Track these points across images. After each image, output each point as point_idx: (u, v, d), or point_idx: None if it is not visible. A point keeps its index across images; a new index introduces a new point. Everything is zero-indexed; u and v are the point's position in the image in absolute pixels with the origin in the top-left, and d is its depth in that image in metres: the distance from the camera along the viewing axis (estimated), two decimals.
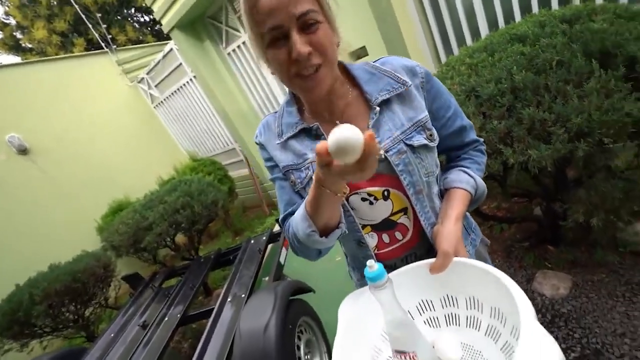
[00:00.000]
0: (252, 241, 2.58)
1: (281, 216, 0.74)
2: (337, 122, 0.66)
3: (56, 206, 4.42)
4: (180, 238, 3.23)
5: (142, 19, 10.75)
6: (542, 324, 1.45)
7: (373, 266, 0.49)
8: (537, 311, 1.58)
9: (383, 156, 0.63)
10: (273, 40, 0.54)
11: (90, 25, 5.41)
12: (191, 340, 2.73)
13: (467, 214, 0.82)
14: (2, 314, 2.56)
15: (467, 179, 0.70)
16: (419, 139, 0.64)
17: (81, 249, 3.30)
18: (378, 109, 0.64)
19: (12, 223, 4.07)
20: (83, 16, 5.47)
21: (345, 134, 0.38)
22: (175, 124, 5.65)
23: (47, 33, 8.21)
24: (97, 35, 5.56)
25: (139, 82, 5.45)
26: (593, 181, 1.12)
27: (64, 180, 4.55)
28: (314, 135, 0.66)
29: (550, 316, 1.54)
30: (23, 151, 4.33)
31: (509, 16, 2.24)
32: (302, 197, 0.70)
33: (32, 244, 4.09)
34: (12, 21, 8.75)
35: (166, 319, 2.07)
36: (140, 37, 9.76)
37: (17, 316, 2.53)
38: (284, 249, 2.40)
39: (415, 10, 2.52)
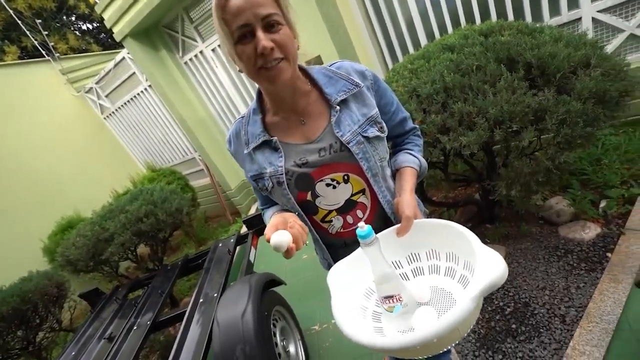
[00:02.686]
0: (220, 244, 2.59)
1: (260, 207, 0.92)
2: (302, 120, 0.78)
3: None
4: (142, 249, 3.13)
5: (84, 27, 10.15)
6: None
7: (363, 227, 0.58)
8: None
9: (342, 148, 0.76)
10: (241, 37, 0.63)
11: (27, 32, 5.02)
12: (160, 351, 2.66)
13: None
14: None
15: (413, 159, 0.88)
16: (373, 132, 0.76)
17: (26, 271, 3.03)
18: (338, 107, 0.75)
19: None
20: (19, 22, 5.06)
21: (274, 241, 0.60)
22: (129, 134, 5.41)
23: None
24: (35, 42, 5.16)
25: (87, 92, 5.17)
26: (510, 160, 1.39)
27: (2, 196, 4.14)
28: (273, 147, 0.77)
29: None
30: None
31: (442, 29, 2.60)
32: (272, 197, 0.85)
33: None
34: None
35: (135, 327, 2.00)
36: (84, 46, 9.19)
37: None
38: (252, 248, 2.46)
39: (363, 24, 2.80)
